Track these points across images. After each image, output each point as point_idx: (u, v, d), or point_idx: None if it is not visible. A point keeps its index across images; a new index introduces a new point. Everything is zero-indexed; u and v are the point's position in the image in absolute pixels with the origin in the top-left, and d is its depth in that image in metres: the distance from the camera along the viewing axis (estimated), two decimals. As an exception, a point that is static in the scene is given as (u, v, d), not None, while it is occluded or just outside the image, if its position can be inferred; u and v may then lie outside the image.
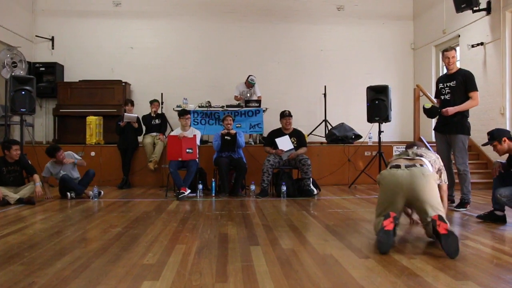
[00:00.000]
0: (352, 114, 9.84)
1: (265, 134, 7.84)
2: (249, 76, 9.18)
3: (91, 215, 5.02)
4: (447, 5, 8.96)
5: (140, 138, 8.09)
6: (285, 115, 6.86)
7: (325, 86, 9.98)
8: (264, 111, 8.50)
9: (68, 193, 6.27)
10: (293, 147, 6.65)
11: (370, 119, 7.55)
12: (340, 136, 8.54)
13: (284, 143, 6.65)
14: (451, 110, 5.24)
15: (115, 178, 7.80)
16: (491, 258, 3.10)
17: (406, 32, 10.92)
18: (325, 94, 9.99)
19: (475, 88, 5.25)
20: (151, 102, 8.24)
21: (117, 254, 3.20)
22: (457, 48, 9.08)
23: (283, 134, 6.79)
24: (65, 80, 10.00)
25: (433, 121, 7.51)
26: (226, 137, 6.83)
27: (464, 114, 5.33)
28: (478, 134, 8.14)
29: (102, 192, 6.55)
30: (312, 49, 10.65)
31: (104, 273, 2.75)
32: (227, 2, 10.54)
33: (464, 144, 5.32)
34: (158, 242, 3.61)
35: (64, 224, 4.42)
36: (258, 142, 8.98)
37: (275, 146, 6.68)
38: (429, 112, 5.51)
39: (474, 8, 7.86)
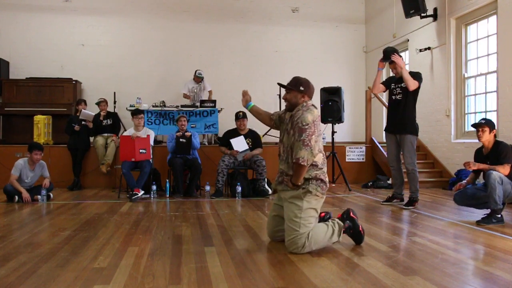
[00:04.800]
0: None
1: (221, 135, 7.82)
2: (197, 70, 9.15)
3: (38, 218, 4.82)
4: (397, 10, 9.28)
5: (91, 139, 7.86)
6: (239, 117, 6.86)
7: (280, 87, 10.06)
8: (219, 111, 8.48)
9: (16, 196, 5.97)
10: (248, 147, 6.67)
11: (324, 120, 7.71)
12: (295, 137, 8.63)
13: (239, 144, 6.66)
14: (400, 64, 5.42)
15: (65, 180, 7.52)
16: (436, 253, 3.24)
17: (359, 35, 11.21)
18: (280, 95, 10.06)
19: (417, 79, 5.42)
20: (98, 103, 7.91)
21: (66, 258, 3.09)
22: (406, 52, 9.44)
23: (238, 135, 6.79)
24: (11, 77, 9.55)
25: (384, 122, 7.76)
26: (181, 140, 6.75)
27: (413, 116, 5.54)
28: (426, 135, 8.50)
29: (52, 195, 6.31)
30: (267, 50, 10.73)
31: (52, 278, 2.65)
32: (182, 1, 10.43)
33: (413, 144, 5.53)
34: (110, 244, 3.51)
35: (9, 228, 4.22)
36: (213, 142, 8.95)
37: (230, 146, 6.67)
38: (386, 53, 5.60)
39: (422, 14, 8.19)
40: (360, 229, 3.45)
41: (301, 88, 3.42)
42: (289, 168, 3.40)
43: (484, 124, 4.56)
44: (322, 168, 3.37)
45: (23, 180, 6.08)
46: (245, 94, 3.92)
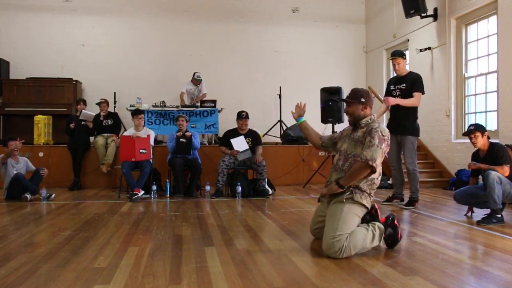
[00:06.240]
0: (307, 114, 9.86)
1: (221, 134, 7.82)
2: (195, 73, 9.14)
3: (38, 218, 4.82)
4: (398, 10, 9.28)
5: (91, 139, 7.85)
6: (242, 117, 6.82)
7: (280, 87, 10.07)
8: (219, 111, 8.48)
9: (27, 195, 5.99)
10: (248, 147, 6.66)
11: (324, 120, 7.71)
12: (295, 137, 8.66)
13: (239, 144, 6.65)
14: (392, 100, 5.47)
15: (65, 180, 7.52)
16: (437, 253, 3.24)
17: (359, 35, 11.21)
18: (280, 95, 10.08)
19: (420, 90, 5.47)
20: (99, 104, 7.88)
21: (67, 258, 3.09)
22: (406, 52, 9.43)
23: (238, 135, 6.78)
24: (11, 77, 9.55)
25: (384, 122, 7.76)
26: (181, 140, 6.74)
27: (413, 117, 5.55)
28: (426, 135, 8.49)
29: (54, 195, 6.33)
30: (267, 50, 10.73)
31: (52, 278, 2.65)
32: (182, 1, 10.43)
33: (414, 144, 5.53)
34: (110, 244, 3.51)
35: (9, 228, 4.22)
36: (213, 142, 8.95)
37: (230, 146, 6.67)
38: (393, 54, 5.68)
39: (422, 14, 8.19)
40: (399, 236, 3.36)
41: (362, 100, 3.44)
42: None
43: (474, 130, 4.59)
44: (374, 184, 3.37)
45: (12, 172, 6.16)
46: (300, 107, 3.90)
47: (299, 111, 3.87)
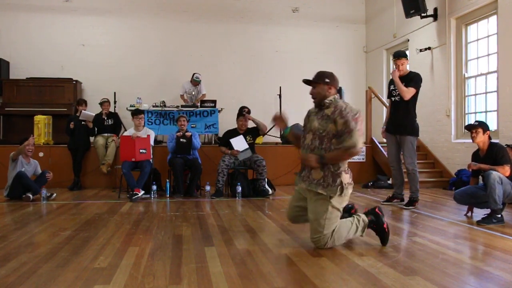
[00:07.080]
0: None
1: (221, 134, 7.82)
2: (194, 73, 9.14)
3: (39, 218, 4.82)
4: (398, 11, 9.28)
5: (91, 139, 7.85)
6: (243, 114, 6.82)
7: (280, 87, 10.07)
8: (219, 111, 8.48)
9: (30, 195, 6.01)
10: (248, 147, 6.66)
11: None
12: (295, 137, 8.63)
13: (239, 143, 6.66)
14: (395, 74, 5.50)
15: (65, 180, 7.52)
16: (437, 253, 3.24)
17: (359, 35, 11.21)
18: (280, 95, 10.08)
19: (414, 86, 5.44)
20: (101, 103, 7.87)
21: (67, 258, 3.09)
22: (407, 52, 9.41)
23: (238, 134, 6.79)
24: (11, 77, 9.55)
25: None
26: (181, 140, 6.74)
27: (413, 116, 5.54)
28: (426, 135, 8.50)
29: (55, 194, 6.37)
30: (267, 50, 10.72)
31: (52, 278, 2.65)
32: (182, 1, 10.43)
33: (413, 144, 5.53)
34: (110, 244, 3.51)
35: (9, 228, 4.22)
36: (213, 142, 8.94)
37: (230, 146, 6.67)
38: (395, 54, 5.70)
39: (422, 14, 8.20)
40: (385, 226, 3.44)
41: (327, 80, 3.44)
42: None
43: (477, 126, 4.60)
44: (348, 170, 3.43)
45: (16, 169, 6.18)
46: (281, 118, 3.75)
47: (283, 123, 3.73)
